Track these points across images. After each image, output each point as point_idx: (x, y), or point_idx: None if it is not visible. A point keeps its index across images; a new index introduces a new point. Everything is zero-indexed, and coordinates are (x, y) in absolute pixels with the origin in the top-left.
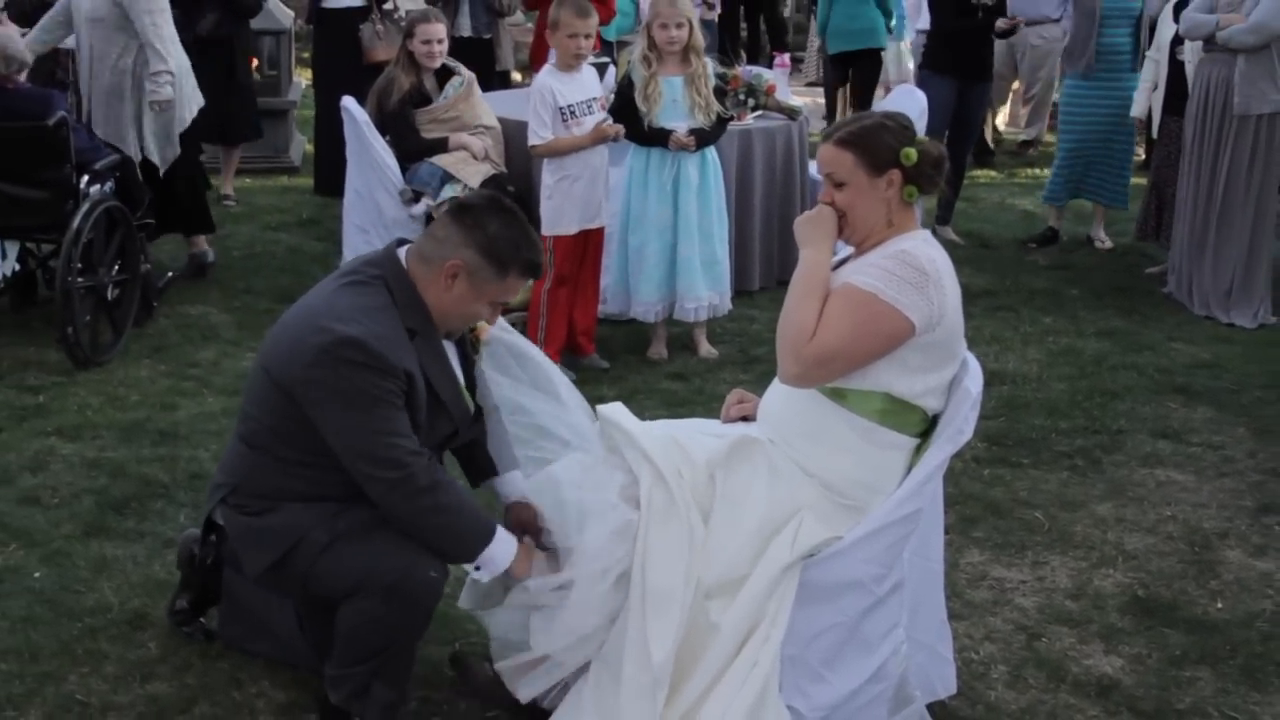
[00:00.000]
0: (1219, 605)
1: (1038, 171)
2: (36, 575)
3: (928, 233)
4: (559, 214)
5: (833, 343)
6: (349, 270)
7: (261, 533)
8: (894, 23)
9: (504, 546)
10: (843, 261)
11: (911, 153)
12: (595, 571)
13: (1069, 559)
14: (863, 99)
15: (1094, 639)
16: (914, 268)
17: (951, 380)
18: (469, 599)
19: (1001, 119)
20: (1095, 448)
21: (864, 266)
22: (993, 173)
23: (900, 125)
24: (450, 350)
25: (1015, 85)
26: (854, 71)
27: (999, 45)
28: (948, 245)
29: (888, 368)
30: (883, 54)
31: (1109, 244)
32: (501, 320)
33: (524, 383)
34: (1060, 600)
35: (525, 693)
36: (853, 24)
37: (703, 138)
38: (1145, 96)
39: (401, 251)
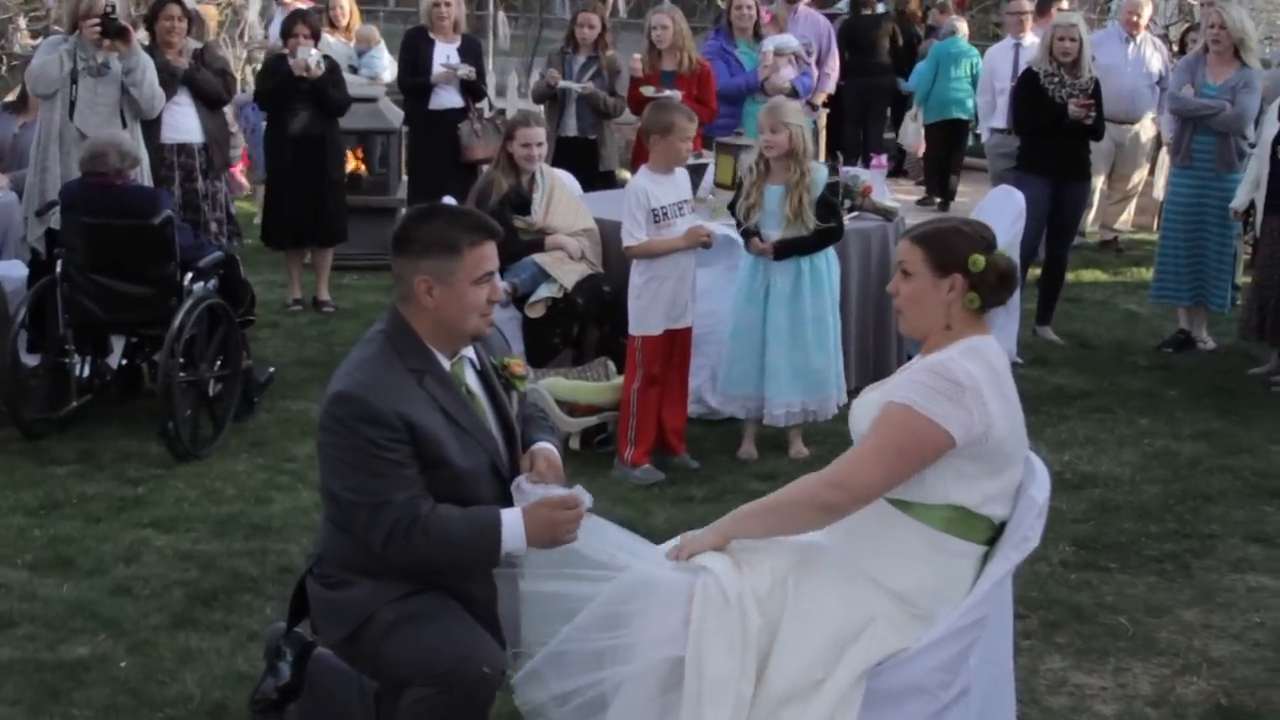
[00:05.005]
0: None
1: (1144, 271)
2: (122, 664)
3: (980, 339)
4: (646, 313)
5: (871, 473)
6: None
7: (336, 605)
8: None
9: (512, 527)
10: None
11: (979, 260)
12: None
13: (1152, 665)
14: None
15: None
16: (947, 379)
17: (1018, 487)
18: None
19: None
20: (1185, 552)
21: (903, 381)
22: (1097, 273)
23: (978, 234)
24: (474, 380)
25: (1099, 184)
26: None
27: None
28: (1046, 346)
29: (944, 477)
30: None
31: (1211, 344)
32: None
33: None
34: (1140, 708)
35: None
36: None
37: (783, 247)
38: (1246, 189)
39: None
